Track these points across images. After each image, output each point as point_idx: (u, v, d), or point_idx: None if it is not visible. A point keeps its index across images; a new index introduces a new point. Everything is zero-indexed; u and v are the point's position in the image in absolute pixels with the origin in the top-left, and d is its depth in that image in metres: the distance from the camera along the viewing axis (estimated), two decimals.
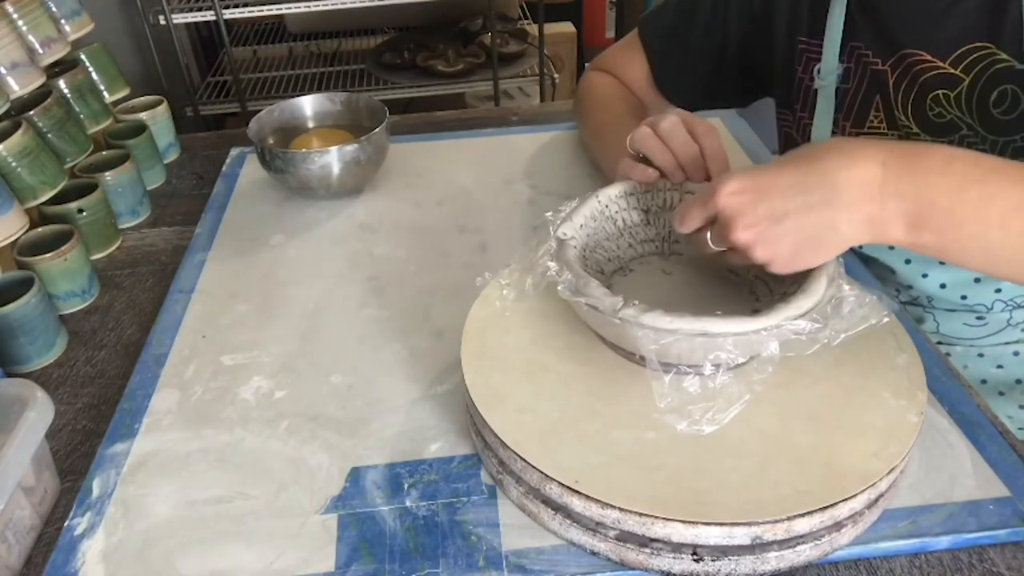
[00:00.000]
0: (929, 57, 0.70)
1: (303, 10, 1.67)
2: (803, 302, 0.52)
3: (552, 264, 0.57)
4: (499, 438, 0.52)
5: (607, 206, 0.65)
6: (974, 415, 0.59)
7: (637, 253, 0.67)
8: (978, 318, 0.76)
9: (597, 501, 0.48)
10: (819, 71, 0.77)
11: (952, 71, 0.69)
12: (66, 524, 0.56)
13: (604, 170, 0.86)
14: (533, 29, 1.94)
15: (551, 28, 2.23)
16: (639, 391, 0.55)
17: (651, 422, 0.53)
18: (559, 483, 0.49)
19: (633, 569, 0.50)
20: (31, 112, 0.83)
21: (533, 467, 0.50)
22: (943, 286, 0.75)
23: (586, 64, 0.99)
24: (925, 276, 0.76)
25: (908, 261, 0.76)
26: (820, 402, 0.54)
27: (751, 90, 0.92)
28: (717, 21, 0.86)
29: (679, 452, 0.51)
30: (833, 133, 0.78)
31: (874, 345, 0.57)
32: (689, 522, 0.47)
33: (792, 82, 0.82)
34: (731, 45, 0.86)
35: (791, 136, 0.85)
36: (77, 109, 0.93)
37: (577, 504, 0.49)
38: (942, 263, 0.75)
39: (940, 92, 0.70)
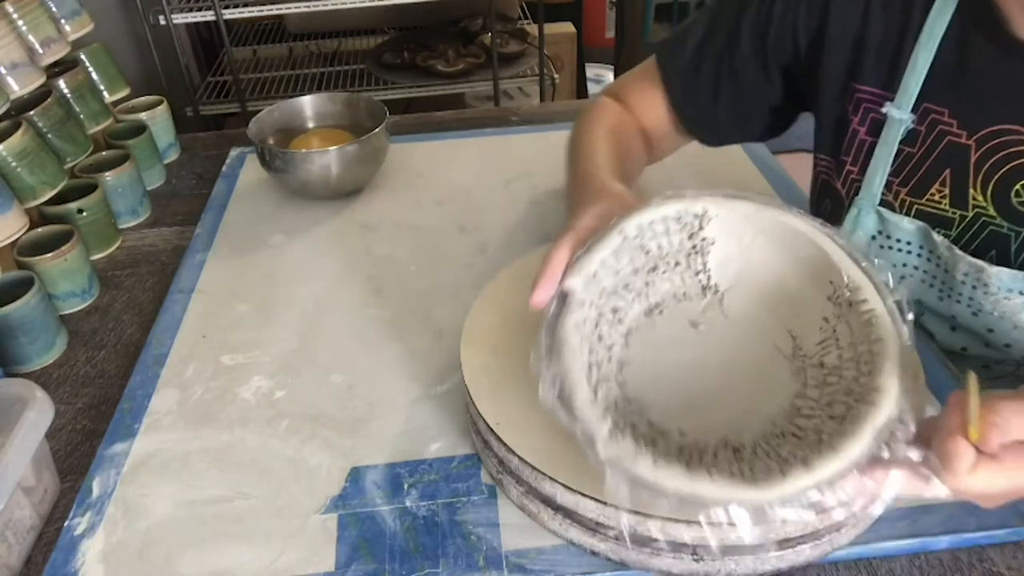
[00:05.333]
0: None
1: (303, 10, 1.67)
2: (810, 476, 0.42)
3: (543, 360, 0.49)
4: (504, 443, 0.52)
5: (635, 236, 0.54)
6: None
7: (675, 287, 0.57)
8: None
9: (621, 508, 0.47)
10: (889, 107, 0.66)
11: None
12: (66, 524, 0.56)
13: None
14: (533, 29, 1.94)
15: (551, 28, 2.22)
16: None
17: None
18: (563, 485, 0.49)
19: (633, 569, 0.50)
20: (31, 112, 0.83)
21: (552, 478, 0.49)
22: None
23: (585, 64, 0.96)
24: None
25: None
26: None
27: (790, 122, 0.81)
28: (755, 54, 0.74)
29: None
30: (883, 196, 0.68)
31: None
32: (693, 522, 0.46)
33: (843, 130, 0.71)
34: (773, 83, 0.75)
35: (831, 186, 0.75)
36: (77, 109, 0.93)
37: (592, 508, 0.49)
38: None
39: None
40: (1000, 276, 0.62)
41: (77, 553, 0.54)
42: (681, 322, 0.56)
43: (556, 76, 1.96)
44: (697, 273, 0.57)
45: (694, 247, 0.56)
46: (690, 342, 0.55)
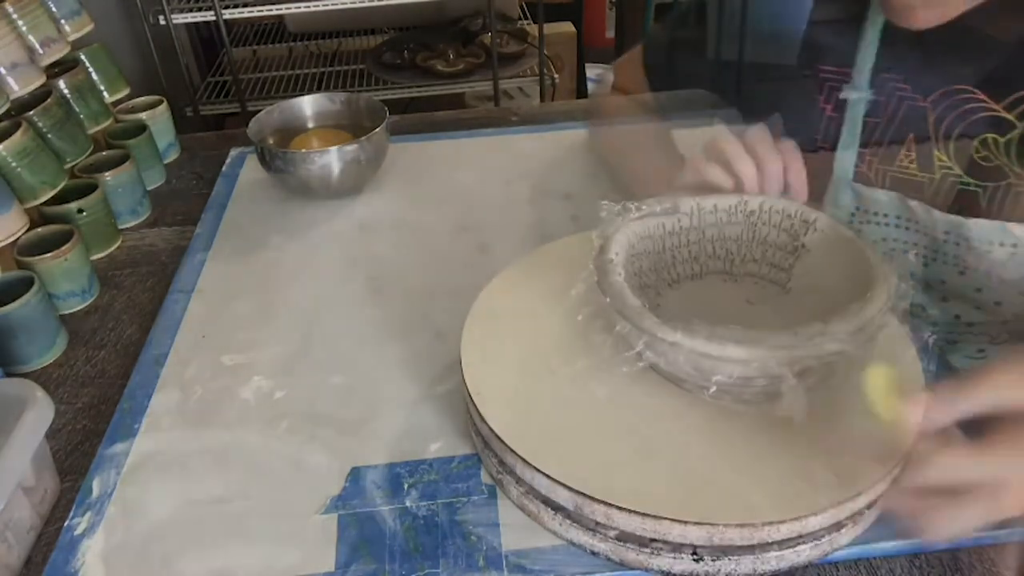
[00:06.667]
0: (983, 96, 0.64)
1: (303, 10, 1.67)
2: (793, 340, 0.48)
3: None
4: (505, 443, 0.52)
5: (754, 212, 0.61)
6: None
7: (759, 272, 0.63)
8: None
9: (622, 508, 0.47)
10: (846, 89, 0.71)
11: (1006, 115, 0.64)
12: (66, 524, 0.56)
13: (634, 178, 0.83)
14: (533, 29, 1.94)
15: (551, 28, 2.22)
16: (641, 390, 0.55)
17: (659, 421, 0.53)
18: (566, 487, 0.49)
19: (633, 569, 0.50)
20: (31, 112, 0.83)
21: (553, 478, 0.50)
22: None
23: (585, 64, 1.00)
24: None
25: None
26: (826, 397, 0.54)
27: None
28: (721, 41, 0.82)
29: (689, 451, 0.51)
30: (856, 167, 0.72)
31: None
32: (710, 524, 0.46)
33: (812, 111, 0.75)
34: (738, 67, 0.82)
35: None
36: (77, 109, 0.93)
37: (593, 509, 0.49)
38: None
39: (989, 136, 0.65)
40: (980, 227, 0.65)
41: (77, 553, 0.54)
42: (741, 295, 0.62)
43: (556, 76, 1.96)
44: (781, 271, 0.62)
45: (793, 250, 0.61)
46: (734, 307, 0.60)
